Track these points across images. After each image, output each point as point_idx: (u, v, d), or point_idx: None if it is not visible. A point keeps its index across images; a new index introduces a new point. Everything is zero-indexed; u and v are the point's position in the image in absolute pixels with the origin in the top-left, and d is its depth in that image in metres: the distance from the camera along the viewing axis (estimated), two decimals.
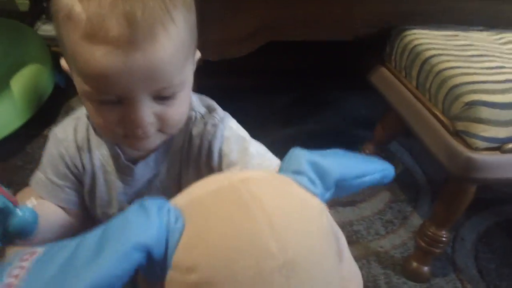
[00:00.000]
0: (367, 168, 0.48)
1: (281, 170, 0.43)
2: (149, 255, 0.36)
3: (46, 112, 1.31)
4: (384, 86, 1.06)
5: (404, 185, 1.25)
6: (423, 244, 0.97)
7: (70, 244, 0.37)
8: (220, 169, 0.63)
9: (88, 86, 0.52)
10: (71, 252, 0.35)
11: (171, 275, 0.36)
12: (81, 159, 0.65)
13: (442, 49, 0.96)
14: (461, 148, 0.83)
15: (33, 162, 1.16)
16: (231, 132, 0.64)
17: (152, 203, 0.38)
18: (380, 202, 1.20)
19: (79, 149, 0.65)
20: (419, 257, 0.99)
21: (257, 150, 0.62)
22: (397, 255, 1.05)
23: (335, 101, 1.59)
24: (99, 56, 0.49)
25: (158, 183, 0.68)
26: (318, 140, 1.34)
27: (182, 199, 0.41)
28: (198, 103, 0.66)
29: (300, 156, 0.43)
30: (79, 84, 0.54)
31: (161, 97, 0.54)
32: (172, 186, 0.68)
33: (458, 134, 0.85)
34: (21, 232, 0.54)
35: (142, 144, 0.59)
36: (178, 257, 0.36)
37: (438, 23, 1.06)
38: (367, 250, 1.05)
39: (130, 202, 0.69)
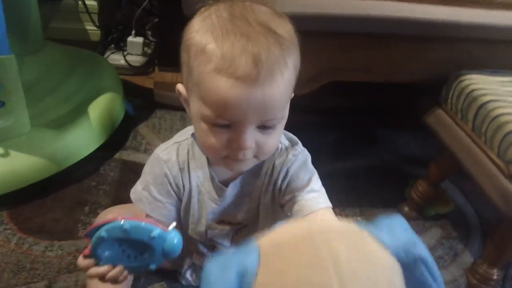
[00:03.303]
0: None
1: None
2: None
3: (116, 137, 1.40)
4: (440, 127, 1.10)
5: (455, 223, 1.28)
6: (474, 281, 1.00)
7: None
8: (286, 188, 0.74)
9: (208, 110, 0.61)
10: None
11: None
12: (182, 178, 0.74)
13: (499, 95, 1.00)
14: None
15: (106, 184, 1.24)
16: (304, 165, 0.75)
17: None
18: (432, 238, 1.23)
19: (180, 169, 0.74)
20: None
21: (317, 187, 0.74)
22: None
23: (385, 139, 1.62)
24: (225, 87, 0.58)
25: (242, 205, 0.77)
26: (370, 175, 1.39)
27: (265, 241, 0.44)
28: (283, 136, 0.75)
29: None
30: (198, 107, 0.63)
31: (264, 127, 0.63)
32: (254, 208, 0.77)
33: None
34: (171, 254, 0.62)
35: (238, 166, 0.67)
36: None
37: (493, 68, 1.10)
38: None
39: (216, 221, 0.79)
